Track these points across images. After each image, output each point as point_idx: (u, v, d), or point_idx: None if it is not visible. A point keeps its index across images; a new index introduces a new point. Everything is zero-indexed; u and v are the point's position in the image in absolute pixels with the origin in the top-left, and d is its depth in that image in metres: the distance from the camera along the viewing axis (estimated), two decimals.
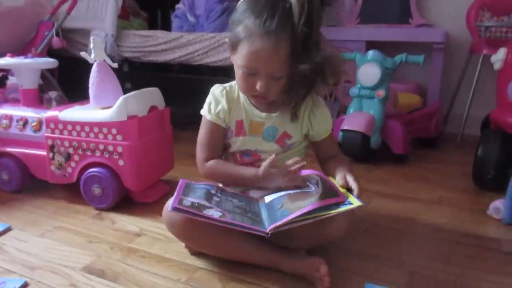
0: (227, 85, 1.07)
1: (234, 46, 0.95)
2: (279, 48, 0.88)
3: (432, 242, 1.09)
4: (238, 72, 0.96)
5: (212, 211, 0.85)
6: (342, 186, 0.93)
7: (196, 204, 0.86)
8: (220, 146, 1.07)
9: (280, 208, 0.87)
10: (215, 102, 1.04)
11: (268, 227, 0.83)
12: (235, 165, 1.05)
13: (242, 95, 1.04)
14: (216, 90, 1.06)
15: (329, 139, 1.08)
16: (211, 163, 1.04)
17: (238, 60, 0.94)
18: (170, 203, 0.92)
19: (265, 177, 0.95)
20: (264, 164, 0.95)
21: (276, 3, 0.89)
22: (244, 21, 0.91)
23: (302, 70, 0.90)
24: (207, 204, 0.87)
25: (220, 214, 0.84)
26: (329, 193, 0.87)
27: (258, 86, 0.93)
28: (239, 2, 0.96)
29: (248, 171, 0.99)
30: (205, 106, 1.06)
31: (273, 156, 0.94)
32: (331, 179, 0.97)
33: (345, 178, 0.95)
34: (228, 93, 1.05)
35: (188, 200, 0.87)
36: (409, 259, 1.00)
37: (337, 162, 1.04)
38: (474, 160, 1.42)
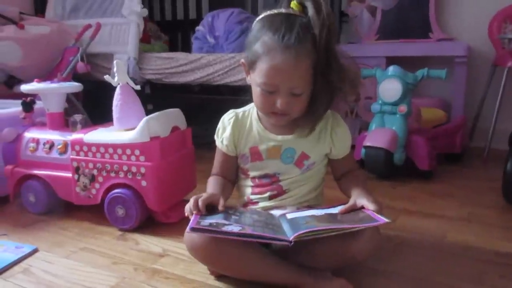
0: (240, 110, 1.06)
1: (251, 64, 0.93)
2: (300, 62, 0.87)
3: (463, 261, 1.05)
4: (256, 90, 0.94)
5: (231, 227, 0.84)
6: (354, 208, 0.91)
7: (215, 224, 0.85)
8: (227, 168, 1.08)
9: (306, 224, 0.85)
10: (222, 129, 1.06)
11: (291, 236, 0.81)
12: (214, 184, 1.05)
13: (255, 121, 1.03)
14: (226, 117, 1.07)
15: (348, 156, 1.06)
16: (209, 179, 1.08)
17: (257, 78, 0.92)
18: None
19: None
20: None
21: (292, 18, 0.89)
22: (261, 38, 0.90)
23: (324, 84, 0.89)
24: (226, 222, 0.86)
25: (239, 228, 0.83)
26: (364, 218, 0.85)
27: (278, 104, 0.90)
28: (254, 21, 0.96)
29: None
30: (216, 131, 1.08)
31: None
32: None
33: (354, 204, 0.92)
34: (237, 120, 1.04)
35: (206, 221, 0.85)
36: (439, 278, 0.96)
37: (353, 180, 1.02)
38: (504, 175, 1.37)
